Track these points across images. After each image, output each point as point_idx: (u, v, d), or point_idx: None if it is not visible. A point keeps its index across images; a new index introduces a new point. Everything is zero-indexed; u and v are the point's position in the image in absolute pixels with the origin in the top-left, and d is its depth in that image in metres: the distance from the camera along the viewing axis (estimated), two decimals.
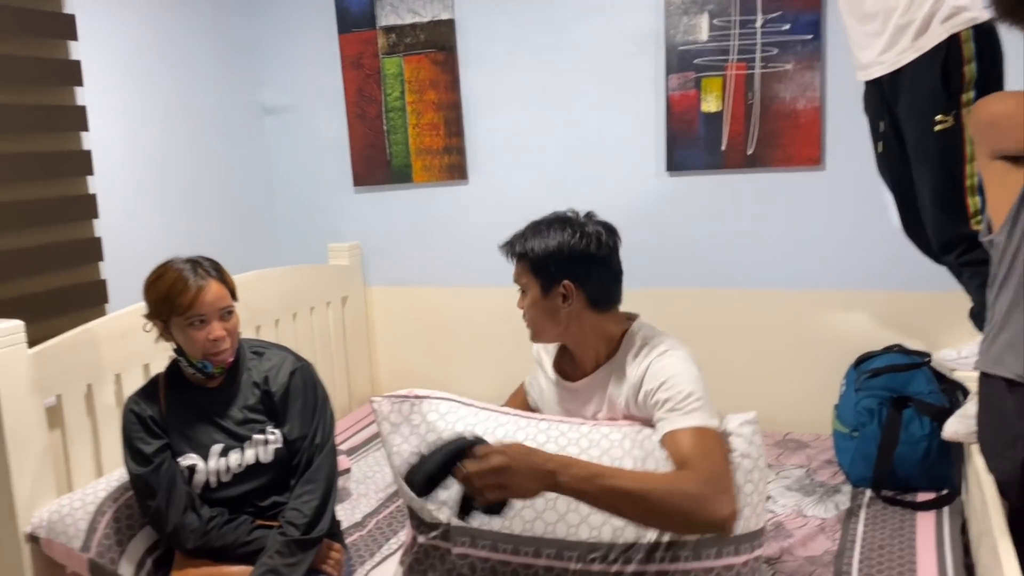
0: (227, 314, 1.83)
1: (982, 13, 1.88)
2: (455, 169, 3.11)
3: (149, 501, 1.81)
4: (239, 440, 1.88)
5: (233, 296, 1.87)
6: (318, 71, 3.26)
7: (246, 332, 2.63)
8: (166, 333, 1.84)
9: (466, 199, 3.14)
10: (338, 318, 3.16)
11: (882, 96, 2.12)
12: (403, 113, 3.14)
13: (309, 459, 1.88)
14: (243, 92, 3.29)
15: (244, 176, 3.30)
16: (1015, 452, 1.57)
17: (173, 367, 1.94)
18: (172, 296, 1.77)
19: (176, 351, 1.86)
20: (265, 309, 2.74)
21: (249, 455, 1.87)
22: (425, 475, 1.33)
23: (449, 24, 3.00)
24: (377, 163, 3.22)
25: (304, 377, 1.95)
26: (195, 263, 1.83)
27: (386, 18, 3.09)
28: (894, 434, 2.23)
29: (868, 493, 2.22)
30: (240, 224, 3.27)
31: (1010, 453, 1.58)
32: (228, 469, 1.86)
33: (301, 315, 2.95)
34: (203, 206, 3.09)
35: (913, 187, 2.14)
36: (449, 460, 1.33)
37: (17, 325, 1.96)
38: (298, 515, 1.82)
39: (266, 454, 1.88)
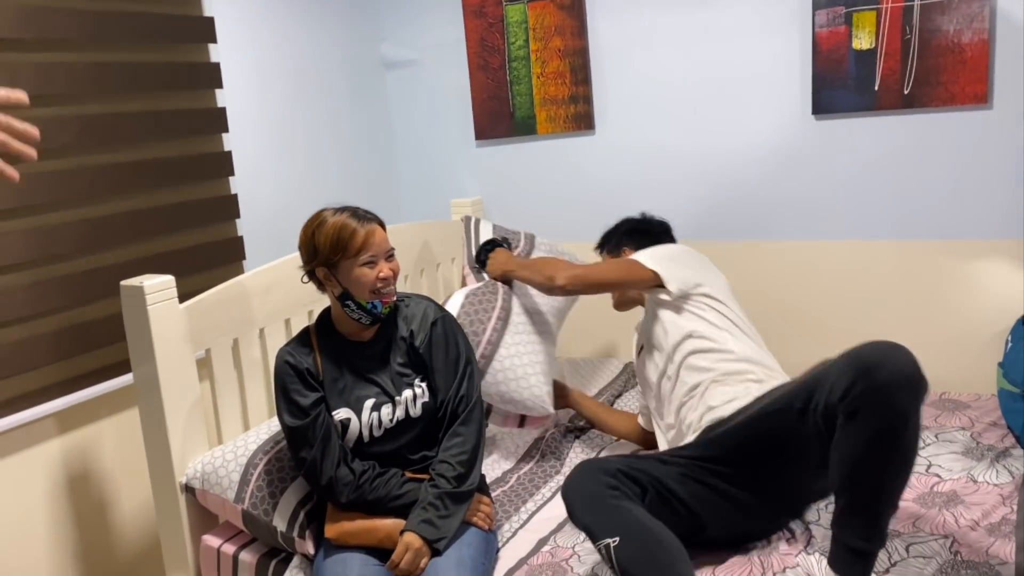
0: (391, 256, 1.85)
1: None
2: (581, 119, 3.01)
3: (303, 453, 1.81)
4: (390, 395, 1.86)
5: None
6: (439, 22, 3.19)
7: None
8: (329, 280, 1.83)
9: (593, 150, 3.04)
10: (461, 274, 3.12)
11: None
12: (527, 62, 3.05)
13: (455, 411, 1.86)
14: (365, 48, 3.26)
15: (367, 132, 3.28)
16: None
17: (324, 322, 1.94)
18: (343, 239, 1.78)
19: (341, 297, 1.84)
20: None
21: (400, 410, 1.86)
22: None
23: None
24: (500, 115, 3.15)
25: (446, 328, 1.92)
26: (352, 210, 1.83)
27: None
28: None
29: None
30: (364, 180, 3.26)
31: None
32: (380, 424, 1.85)
33: (428, 271, 2.93)
34: (329, 163, 3.09)
35: None
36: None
37: (169, 280, 1.99)
38: (449, 468, 1.80)
39: (415, 408, 1.86)
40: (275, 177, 2.86)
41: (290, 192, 2.91)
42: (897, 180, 2.55)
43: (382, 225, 1.86)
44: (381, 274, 1.81)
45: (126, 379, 2.35)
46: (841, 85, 2.55)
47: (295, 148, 2.94)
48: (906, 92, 2.47)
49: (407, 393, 1.86)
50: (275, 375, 1.87)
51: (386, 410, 1.85)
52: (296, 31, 2.92)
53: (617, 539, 1.59)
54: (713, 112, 2.79)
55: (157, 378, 1.97)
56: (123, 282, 1.97)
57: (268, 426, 2.13)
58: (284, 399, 1.84)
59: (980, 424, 2.28)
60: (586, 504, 1.67)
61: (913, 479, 2.01)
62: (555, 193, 3.12)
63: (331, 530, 1.83)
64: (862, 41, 2.50)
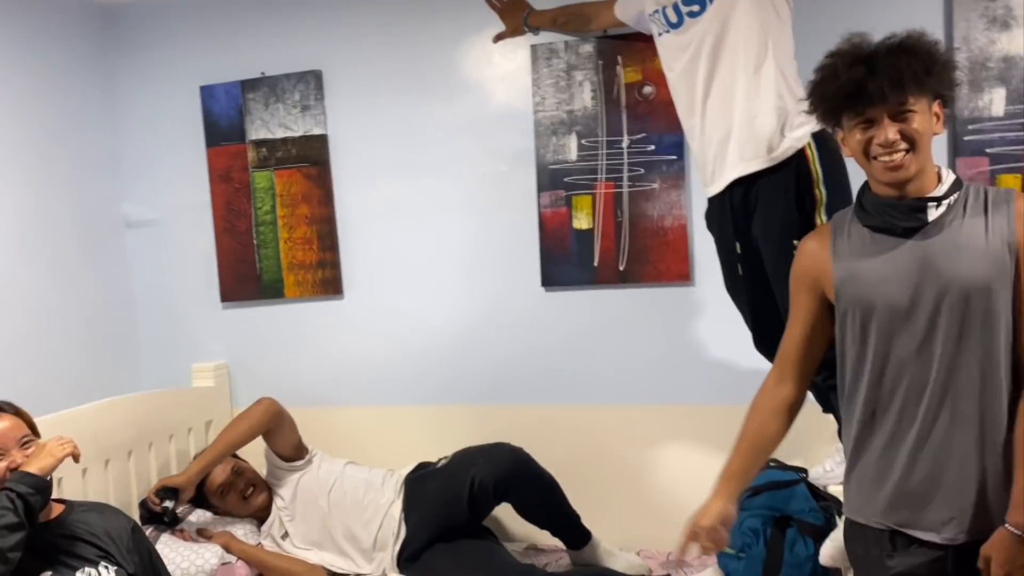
0: (27, 443, 1.83)
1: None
2: (329, 284, 3.02)
3: None
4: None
5: (34, 431, 1.88)
6: (184, 184, 3.14)
7: (95, 466, 2.44)
8: None
9: (341, 314, 3.04)
10: (201, 444, 2.96)
11: (733, 216, 2.16)
12: (274, 227, 3.05)
13: None
14: (104, 207, 3.14)
15: (104, 293, 3.11)
16: None
17: None
18: None
19: None
20: (115, 441, 2.54)
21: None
22: None
23: (322, 139, 2.97)
24: (247, 278, 3.09)
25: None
26: None
27: (256, 132, 3.02)
28: (778, 556, 2.21)
29: None
30: (101, 343, 3.06)
31: None
32: None
33: (158, 444, 2.74)
34: (59, 328, 2.88)
35: (765, 306, 2.17)
36: None
37: None
38: None
39: None
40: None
41: (13, 355, 2.68)
42: (617, 349, 2.74)
43: (19, 415, 1.87)
44: (11, 466, 1.76)
45: None
46: (565, 261, 2.74)
47: (21, 313, 2.73)
48: (621, 268, 2.69)
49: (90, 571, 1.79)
50: None
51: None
52: (26, 189, 2.77)
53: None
54: (453, 281, 2.90)
55: None
56: None
57: None
58: None
59: None
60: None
61: None
62: (303, 357, 3.08)
63: None
64: (581, 222, 2.71)
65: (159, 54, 3.12)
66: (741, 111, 2.05)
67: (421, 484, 2.63)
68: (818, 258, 1.63)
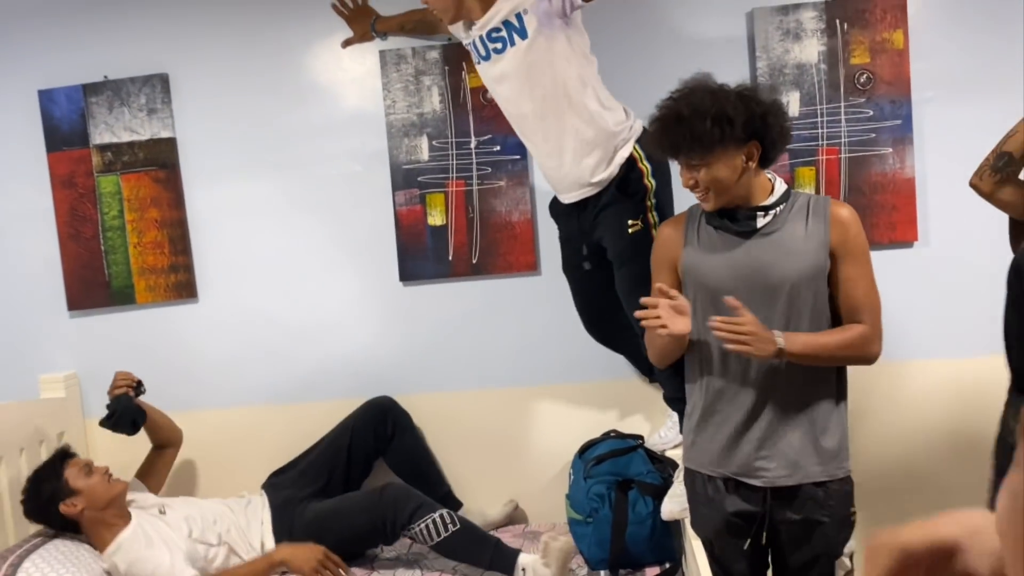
0: None
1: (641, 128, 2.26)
2: (183, 287, 3.01)
3: None
4: None
5: None
6: (24, 191, 3.04)
7: None
8: None
9: (196, 318, 3.03)
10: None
11: (578, 221, 2.40)
12: (123, 232, 3.00)
13: None
14: None
15: None
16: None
17: None
18: None
19: None
20: None
21: None
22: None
23: (170, 142, 2.96)
24: (95, 285, 3.03)
25: None
26: None
27: (100, 136, 2.97)
28: (623, 516, 2.41)
29: (603, 574, 2.37)
30: None
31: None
32: None
33: (9, 457, 2.66)
34: None
35: (596, 301, 2.51)
36: None
37: None
38: None
39: None
40: None
41: None
42: (472, 337, 2.90)
43: None
44: None
45: None
46: (422, 256, 2.87)
47: None
48: (474, 261, 2.85)
49: None
50: None
51: None
52: None
53: None
54: (312, 279, 2.96)
55: None
56: None
57: None
58: None
59: None
60: None
61: None
62: (158, 363, 3.03)
63: None
64: (435, 218, 2.85)
65: None
66: (568, 152, 2.26)
67: (284, 475, 2.77)
68: (673, 243, 1.94)
